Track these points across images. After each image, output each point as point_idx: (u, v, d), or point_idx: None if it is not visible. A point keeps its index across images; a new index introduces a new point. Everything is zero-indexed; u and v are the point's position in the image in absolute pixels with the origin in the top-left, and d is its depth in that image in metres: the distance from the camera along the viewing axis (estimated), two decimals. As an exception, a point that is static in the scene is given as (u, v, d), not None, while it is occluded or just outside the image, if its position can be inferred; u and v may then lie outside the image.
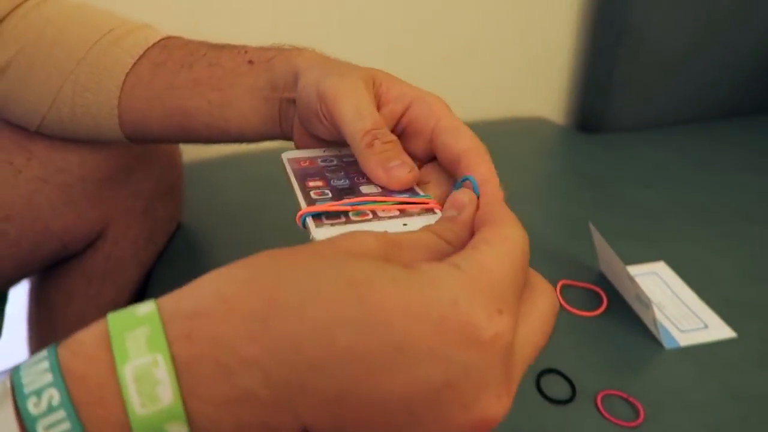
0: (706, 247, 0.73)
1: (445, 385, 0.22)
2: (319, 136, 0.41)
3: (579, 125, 1.14)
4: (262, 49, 0.46)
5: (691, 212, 0.80)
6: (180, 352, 0.22)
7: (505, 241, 0.26)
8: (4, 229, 0.56)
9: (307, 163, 0.40)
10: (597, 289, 0.65)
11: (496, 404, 0.23)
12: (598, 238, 0.64)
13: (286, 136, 0.46)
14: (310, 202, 0.35)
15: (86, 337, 0.23)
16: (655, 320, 0.58)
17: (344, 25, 0.96)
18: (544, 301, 0.27)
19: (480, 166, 0.34)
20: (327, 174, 0.39)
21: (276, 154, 0.45)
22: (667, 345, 0.59)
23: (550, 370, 0.56)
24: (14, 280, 0.63)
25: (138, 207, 0.64)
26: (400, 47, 1.01)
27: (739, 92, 1.10)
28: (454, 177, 0.37)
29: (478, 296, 0.23)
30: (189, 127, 0.48)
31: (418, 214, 0.34)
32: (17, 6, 0.50)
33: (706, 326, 0.61)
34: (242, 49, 0.46)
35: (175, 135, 0.49)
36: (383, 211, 0.34)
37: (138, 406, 0.21)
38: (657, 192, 0.84)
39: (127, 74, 0.48)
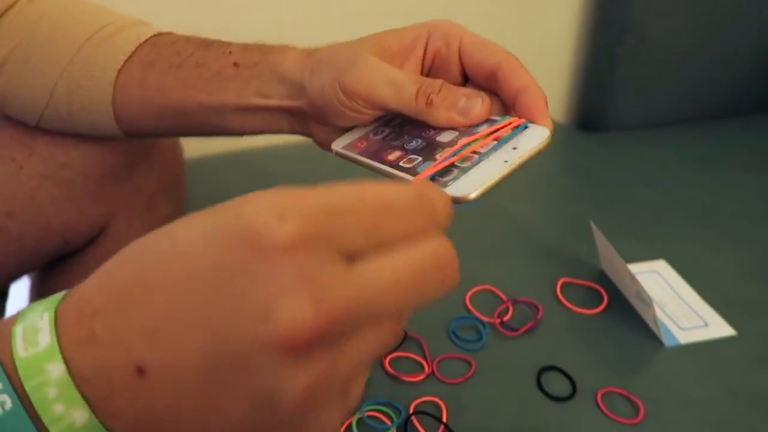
0: (706, 245, 0.73)
1: (236, 297, 0.21)
2: (352, 122, 0.42)
3: (580, 124, 1.14)
4: (246, 49, 0.46)
5: (691, 211, 0.80)
6: (60, 307, 0.25)
7: (371, 187, 0.24)
8: (5, 225, 0.56)
9: (364, 144, 0.40)
10: (598, 287, 0.65)
11: (294, 310, 0.21)
12: (599, 237, 0.64)
13: (299, 133, 0.46)
14: (412, 171, 0.36)
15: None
16: (655, 318, 0.59)
17: (344, 23, 0.96)
18: (422, 246, 0.24)
19: (517, 77, 0.37)
20: (394, 143, 0.39)
21: (278, 152, 0.45)
22: (668, 343, 0.59)
23: (551, 367, 0.56)
24: (15, 276, 0.63)
25: (140, 203, 0.64)
26: (401, 45, 1.01)
27: (739, 91, 1.10)
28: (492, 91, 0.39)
29: (265, 206, 0.22)
30: (187, 124, 0.48)
31: (515, 135, 0.36)
32: (15, 2, 0.50)
33: (706, 324, 0.61)
34: (227, 49, 0.46)
35: (174, 130, 0.50)
36: (482, 147, 0.35)
37: (22, 350, 0.24)
38: (658, 191, 0.84)
39: (119, 71, 0.48)
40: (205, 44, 0.48)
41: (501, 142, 0.35)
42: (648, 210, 0.80)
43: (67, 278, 0.66)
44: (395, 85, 0.37)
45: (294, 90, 0.43)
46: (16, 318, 0.25)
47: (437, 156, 0.36)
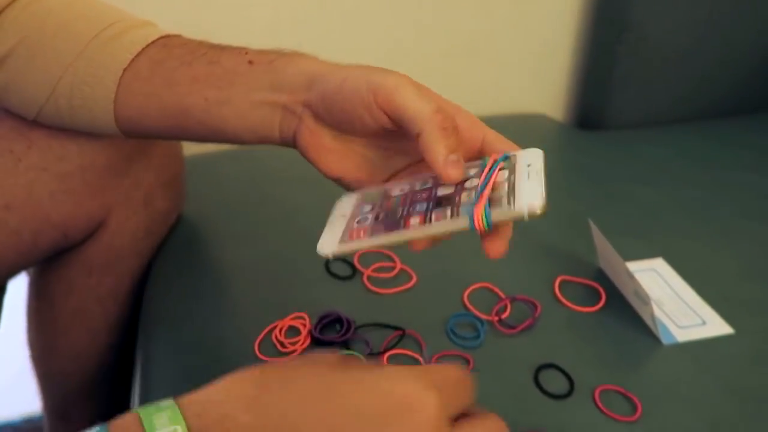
0: (704, 244, 0.73)
1: None
2: (351, 129, 0.42)
3: (579, 122, 1.14)
4: (262, 51, 0.46)
5: (690, 209, 0.80)
6: (193, 423, 0.29)
7: (440, 367, 0.35)
8: (3, 217, 0.56)
9: (361, 232, 0.39)
10: (596, 285, 0.65)
11: None
12: (597, 235, 0.65)
13: (285, 142, 0.45)
14: (456, 215, 0.36)
15: (123, 421, 0.30)
16: (653, 316, 0.59)
17: (345, 21, 0.96)
18: (495, 420, 0.34)
19: (503, 143, 0.41)
20: (396, 217, 0.39)
21: (277, 148, 0.45)
22: (665, 341, 0.59)
23: (549, 365, 0.56)
24: (14, 271, 0.63)
25: (138, 197, 0.64)
26: (400, 43, 1.01)
27: (739, 90, 1.10)
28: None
29: (412, 379, 0.31)
30: (185, 124, 0.47)
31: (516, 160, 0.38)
32: None
33: (703, 322, 0.62)
34: (243, 50, 0.46)
35: (170, 132, 0.49)
36: (498, 177, 0.37)
37: None
38: (656, 189, 0.85)
39: (125, 70, 0.48)
40: (219, 47, 0.48)
41: (506, 167, 0.38)
42: (646, 208, 0.80)
43: (66, 273, 0.66)
44: (423, 97, 0.39)
45: (306, 82, 0.43)
46: (140, 422, 0.29)
47: (461, 198, 0.37)
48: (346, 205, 0.42)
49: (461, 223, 0.35)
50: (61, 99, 0.50)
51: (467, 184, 0.38)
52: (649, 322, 0.60)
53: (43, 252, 0.62)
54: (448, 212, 0.36)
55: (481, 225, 0.34)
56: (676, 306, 0.63)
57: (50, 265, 0.66)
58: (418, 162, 0.43)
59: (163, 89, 0.47)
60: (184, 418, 0.29)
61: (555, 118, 1.13)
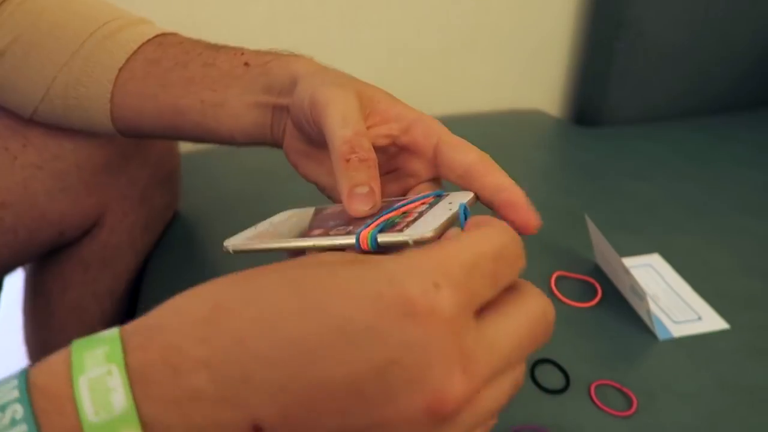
0: (700, 239, 0.74)
1: (389, 362, 0.22)
2: (309, 142, 0.42)
3: (576, 118, 1.14)
4: (259, 52, 0.46)
5: (686, 205, 0.80)
6: (134, 361, 0.23)
7: (479, 235, 0.26)
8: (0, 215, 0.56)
9: (266, 237, 0.38)
10: (592, 280, 0.65)
11: (448, 380, 0.22)
12: (593, 230, 0.65)
13: (276, 143, 0.45)
14: (347, 235, 0.33)
15: (54, 357, 0.24)
16: (649, 311, 0.59)
17: (343, 19, 0.96)
18: (534, 304, 0.26)
19: (492, 175, 0.35)
20: (308, 230, 0.37)
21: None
22: (661, 336, 0.59)
23: (545, 360, 0.56)
24: (10, 268, 0.63)
25: (134, 194, 0.64)
26: (397, 40, 1.01)
27: (736, 87, 1.10)
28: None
29: (416, 271, 0.23)
30: (180, 125, 0.47)
31: (443, 197, 0.35)
32: None
33: (699, 318, 0.62)
34: (239, 51, 0.46)
35: (166, 132, 0.49)
36: (416, 208, 0.34)
37: (91, 414, 0.21)
38: (653, 185, 0.85)
39: (120, 69, 0.48)
40: (215, 47, 0.47)
41: (433, 203, 0.35)
42: (643, 204, 0.80)
43: (62, 270, 0.66)
44: (344, 120, 0.35)
45: (291, 84, 0.43)
46: (69, 362, 0.23)
47: (369, 222, 0.33)
48: (281, 216, 0.42)
49: (348, 240, 0.32)
50: (57, 98, 0.50)
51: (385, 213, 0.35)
52: (644, 317, 0.60)
53: (39, 249, 0.62)
54: (348, 229, 0.34)
55: (366, 245, 0.32)
56: (672, 301, 0.64)
57: (46, 261, 0.66)
58: (390, 172, 0.41)
59: (158, 90, 0.47)
60: (124, 353, 0.23)
61: (552, 114, 1.13)
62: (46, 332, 0.70)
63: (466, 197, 0.35)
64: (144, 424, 0.22)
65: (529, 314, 0.26)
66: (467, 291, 0.23)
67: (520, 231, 0.33)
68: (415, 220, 0.32)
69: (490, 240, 0.25)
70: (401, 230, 0.31)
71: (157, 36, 0.49)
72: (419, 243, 0.30)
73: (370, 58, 0.98)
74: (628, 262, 0.67)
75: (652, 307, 0.60)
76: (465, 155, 0.36)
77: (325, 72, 0.41)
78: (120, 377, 0.22)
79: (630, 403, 0.52)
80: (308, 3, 0.94)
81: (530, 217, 0.33)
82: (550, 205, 0.80)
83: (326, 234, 0.34)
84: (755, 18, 1.04)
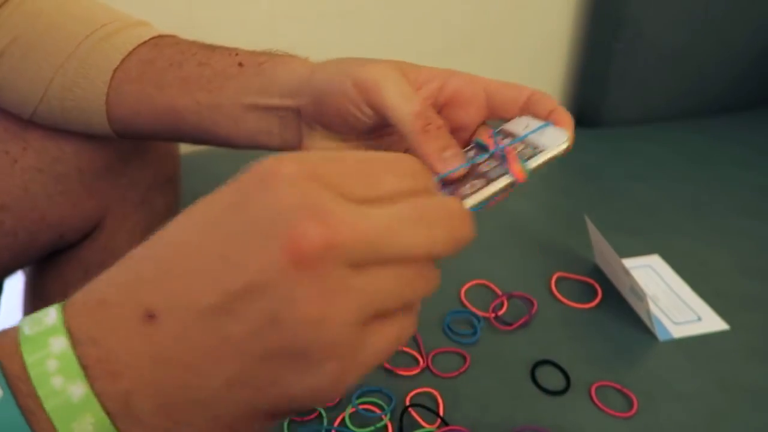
0: (700, 240, 0.74)
1: (246, 222, 0.23)
2: (341, 134, 0.42)
3: (575, 119, 1.13)
4: (253, 53, 0.45)
5: (685, 206, 0.80)
6: (69, 300, 0.26)
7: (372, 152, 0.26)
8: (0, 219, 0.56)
9: None
10: (592, 281, 0.65)
11: (300, 222, 0.22)
12: (593, 231, 0.65)
13: (289, 146, 0.45)
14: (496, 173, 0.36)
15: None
16: (649, 312, 0.59)
17: (341, 18, 0.96)
18: (438, 201, 0.25)
19: (548, 102, 0.39)
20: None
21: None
22: (661, 337, 0.59)
23: (545, 361, 0.56)
24: (10, 271, 0.63)
25: (135, 197, 0.64)
26: (396, 39, 1.01)
27: (735, 87, 1.10)
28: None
29: (278, 156, 0.24)
30: (178, 126, 0.47)
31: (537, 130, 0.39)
32: None
33: (699, 318, 0.62)
34: (233, 51, 0.46)
35: (164, 133, 0.49)
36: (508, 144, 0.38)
37: (26, 330, 0.24)
38: (652, 186, 0.85)
39: (115, 70, 0.48)
40: (210, 47, 0.47)
41: (508, 136, 0.39)
42: (643, 205, 0.80)
43: (62, 273, 0.65)
44: (405, 96, 0.37)
45: (295, 86, 0.43)
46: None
47: (486, 170, 0.36)
48: None
49: (503, 180, 0.35)
50: (54, 100, 0.50)
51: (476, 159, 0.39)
52: (644, 318, 0.60)
53: (40, 251, 0.62)
54: (480, 182, 0.36)
55: (523, 174, 0.35)
56: (672, 302, 0.64)
57: (46, 264, 0.66)
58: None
59: (153, 90, 0.47)
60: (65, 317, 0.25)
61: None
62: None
63: (525, 120, 0.39)
64: (70, 332, 0.24)
65: (419, 202, 0.24)
66: (321, 169, 0.23)
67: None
68: (528, 145, 0.37)
69: (372, 153, 0.25)
70: (535, 154, 0.36)
71: (153, 38, 0.49)
72: (559, 156, 0.36)
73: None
74: (628, 263, 0.67)
75: (652, 307, 0.60)
76: (520, 91, 0.40)
77: (331, 61, 0.42)
78: (56, 307, 0.25)
79: (630, 404, 0.52)
80: (307, 4, 0.94)
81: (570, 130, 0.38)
82: (550, 206, 0.80)
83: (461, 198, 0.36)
84: (754, 19, 1.04)
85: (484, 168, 0.37)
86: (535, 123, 0.38)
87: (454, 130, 0.41)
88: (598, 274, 0.67)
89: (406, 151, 0.41)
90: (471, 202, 0.35)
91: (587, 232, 0.66)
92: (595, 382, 0.54)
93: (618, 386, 0.54)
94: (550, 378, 0.55)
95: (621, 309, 0.62)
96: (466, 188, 0.36)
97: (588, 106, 1.10)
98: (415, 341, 0.57)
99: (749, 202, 0.82)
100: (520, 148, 0.37)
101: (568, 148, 0.36)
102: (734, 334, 0.60)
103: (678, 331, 0.60)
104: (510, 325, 0.59)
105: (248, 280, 0.22)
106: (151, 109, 0.47)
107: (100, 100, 0.48)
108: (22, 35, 0.49)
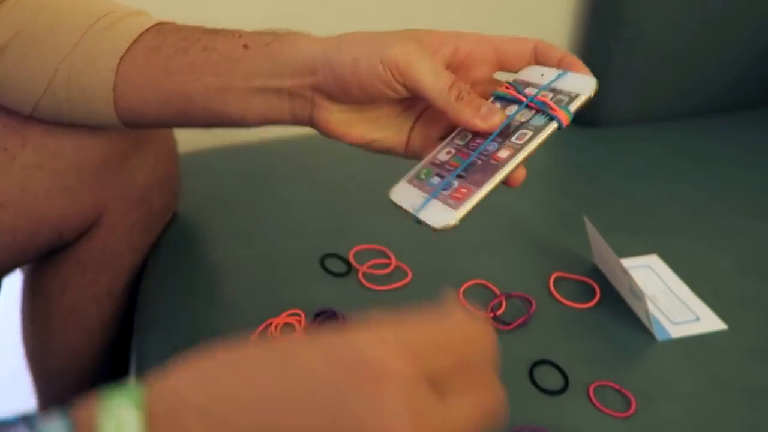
0: (699, 240, 0.74)
1: (354, 418, 0.25)
2: (370, 101, 0.44)
3: (574, 119, 1.13)
4: (256, 33, 0.46)
5: (684, 206, 0.81)
6: (152, 413, 0.26)
7: (455, 318, 0.30)
8: (-1, 216, 0.56)
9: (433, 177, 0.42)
10: (590, 281, 0.65)
11: (397, 428, 0.24)
12: (592, 231, 0.65)
13: (299, 120, 0.46)
14: (526, 141, 0.40)
15: (84, 409, 0.27)
16: (647, 312, 0.59)
17: (338, 18, 0.96)
18: (489, 391, 0.29)
19: (555, 50, 0.44)
20: (467, 164, 0.41)
21: (272, 146, 0.45)
22: (660, 337, 0.59)
23: (544, 361, 0.56)
24: (8, 269, 0.63)
25: (133, 195, 0.64)
26: (396, 39, 1.01)
27: (734, 88, 1.10)
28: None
29: (380, 340, 0.26)
30: (188, 111, 0.47)
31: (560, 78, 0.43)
32: None
33: (697, 318, 0.62)
34: (236, 33, 0.46)
35: (173, 119, 0.49)
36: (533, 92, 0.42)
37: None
38: (651, 186, 0.85)
39: (122, 58, 0.48)
40: (213, 31, 0.48)
41: (530, 85, 0.43)
42: (641, 205, 0.80)
43: (60, 271, 0.65)
44: (436, 71, 0.41)
45: (309, 65, 0.43)
46: (95, 408, 0.26)
47: (525, 120, 0.41)
48: (409, 192, 0.42)
49: (551, 126, 0.40)
50: (59, 91, 0.50)
51: (507, 112, 0.42)
52: (643, 318, 0.60)
53: (38, 250, 0.61)
54: (527, 131, 0.40)
55: (567, 118, 0.40)
56: (670, 302, 0.64)
57: (45, 263, 0.66)
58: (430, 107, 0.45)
59: (161, 77, 0.47)
60: (142, 398, 0.27)
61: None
62: (44, 334, 0.70)
63: (536, 68, 0.44)
64: None
65: (484, 400, 0.29)
66: (426, 366, 0.26)
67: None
68: (557, 93, 0.41)
69: (465, 329, 0.29)
70: (570, 100, 0.40)
71: (155, 25, 0.49)
72: (592, 97, 0.40)
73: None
74: (627, 263, 0.67)
75: (651, 308, 0.60)
76: (525, 42, 0.45)
77: (355, 37, 0.43)
78: (138, 418, 0.25)
79: (629, 404, 0.52)
80: (305, 4, 0.94)
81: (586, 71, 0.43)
82: (549, 206, 0.80)
83: (513, 149, 0.40)
84: (753, 19, 1.04)
85: (520, 119, 0.41)
86: (550, 72, 0.42)
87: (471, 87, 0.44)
88: (596, 274, 0.67)
89: (424, 112, 0.46)
90: (520, 158, 0.39)
91: (586, 232, 0.66)
92: (593, 381, 0.54)
93: (616, 386, 0.54)
94: (549, 378, 0.55)
95: (619, 309, 0.62)
96: (515, 140, 0.40)
97: (587, 106, 1.10)
98: (413, 340, 0.57)
99: (748, 202, 0.82)
100: (549, 96, 0.41)
101: (598, 88, 0.40)
102: (732, 334, 0.60)
103: (676, 331, 0.60)
104: (508, 324, 0.59)
105: None
106: (160, 96, 0.47)
107: (108, 88, 0.48)
108: (23, 30, 0.49)
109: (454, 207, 0.39)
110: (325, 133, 0.45)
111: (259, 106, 0.45)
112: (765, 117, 1.08)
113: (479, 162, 0.41)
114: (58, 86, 0.49)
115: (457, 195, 0.39)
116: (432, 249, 0.67)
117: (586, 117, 1.10)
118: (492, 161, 0.40)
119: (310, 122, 0.45)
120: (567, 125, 0.39)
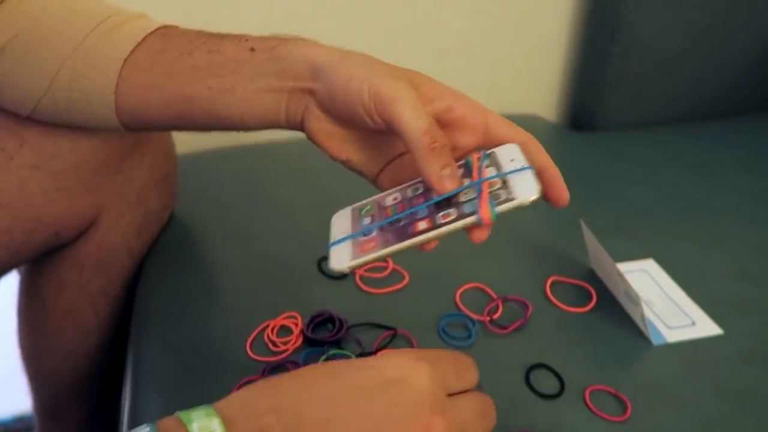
0: (695, 245, 0.74)
1: (394, 405, 0.34)
2: (345, 125, 0.44)
3: (571, 123, 1.14)
4: (263, 38, 0.46)
5: (681, 211, 0.81)
6: (226, 418, 0.33)
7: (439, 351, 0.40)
8: (-5, 216, 0.56)
9: (371, 242, 0.41)
10: (587, 285, 0.65)
11: (432, 417, 0.34)
12: (588, 235, 0.65)
13: (292, 127, 0.46)
14: (462, 215, 0.39)
15: (166, 422, 0.34)
16: (643, 317, 0.59)
17: (339, 22, 0.96)
18: (484, 397, 0.40)
19: (540, 154, 0.42)
20: (406, 222, 0.41)
21: (268, 148, 0.45)
22: (655, 341, 0.59)
23: (540, 365, 0.56)
24: (5, 269, 0.63)
25: (131, 196, 0.64)
26: (393, 43, 1.01)
27: (731, 92, 1.10)
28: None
29: (405, 356, 0.37)
30: (188, 113, 0.47)
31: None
32: None
33: (693, 323, 0.62)
34: (243, 38, 0.46)
35: (174, 122, 0.49)
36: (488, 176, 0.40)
37: None
38: (648, 190, 0.85)
39: (125, 60, 0.48)
40: (219, 35, 0.48)
41: (494, 165, 0.41)
42: (638, 209, 0.81)
43: (57, 271, 0.65)
44: (417, 112, 0.39)
45: (312, 71, 0.43)
46: (176, 418, 0.33)
47: (458, 199, 0.39)
48: (344, 221, 0.44)
49: (470, 220, 0.38)
50: (60, 92, 0.50)
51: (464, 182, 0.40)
52: (639, 322, 0.61)
53: (35, 250, 0.61)
54: (454, 212, 0.39)
55: (490, 219, 0.38)
56: (666, 306, 0.64)
57: (41, 263, 0.66)
58: None
59: (164, 79, 0.47)
60: (216, 411, 0.33)
61: (547, 118, 1.13)
62: (40, 334, 0.70)
63: (514, 149, 0.41)
64: None
65: (482, 399, 0.39)
66: (437, 369, 0.36)
67: (555, 203, 0.42)
68: (503, 187, 0.39)
69: (442, 352, 0.39)
70: (505, 200, 0.38)
71: (159, 28, 0.49)
72: (528, 206, 0.38)
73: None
74: (623, 267, 0.67)
75: (647, 312, 0.60)
76: (517, 133, 0.43)
77: (353, 57, 0.43)
78: (218, 424, 0.33)
79: (624, 409, 0.52)
80: (304, 7, 0.94)
81: (565, 193, 0.42)
82: (545, 209, 0.80)
83: (433, 222, 0.39)
84: (750, 22, 1.04)
85: (465, 195, 0.39)
86: (520, 160, 0.40)
87: (451, 149, 0.42)
88: (593, 278, 0.67)
89: (399, 155, 0.46)
90: (432, 236, 0.39)
91: (582, 236, 0.66)
92: (589, 386, 0.54)
93: (612, 390, 0.54)
94: (545, 382, 0.55)
95: (615, 313, 0.62)
96: (439, 216, 0.39)
97: (585, 110, 1.10)
98: (410, 344, 0.57)
99: (745, 206, 0.82)
100: (497, 186, 0.39)
101: (537, 200, 0.37)
102: (728, 338, 0.60)
103: (672, 336, 0.60)
104: (505, 328, 0.60)
105: None
106: (161, 98, 0.47)
107: (109, 91, 0.48)
108: (24, 31, 0.49)
109: (354, 256, 0.40)
110: (312, 140, 0.45)
111: (258, 108, 0.45)
112: (762, 121, 1.08)
113: (402, 223, 0.40)
114: (58, 88, 0.49)
115: (365, 246, 0.40)
116: (429, 253, 0.67)
117: (584, 121, 1.10)
118: (410, 228, 0.40)
119: (301, 127, 0.45)
120: (489, 225, 0.38)
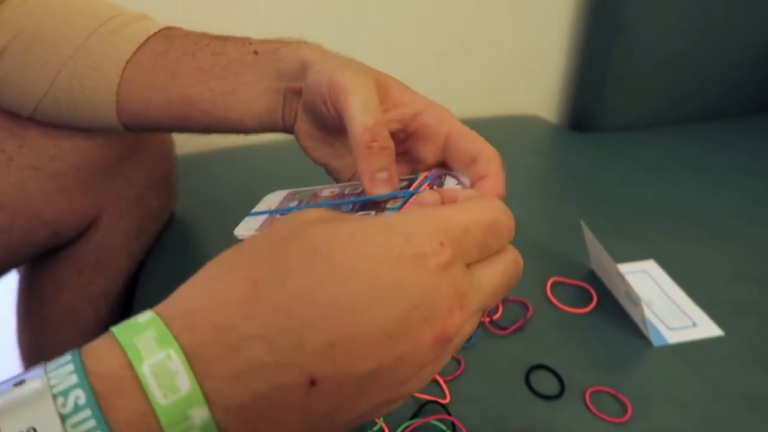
0: (696, 246, 0.74)
1: (411, 307, 0.27)
2: (321, 125, 0.43)
3: (572, 124, 1.14)
4: (266, 41, 0.46)
5: (681, 212, 0.81)
6: (186, 343, 0.25)
7: (477, 205, 0.31)
8: (-5, 217, 0.56)
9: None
10: (587, 286, 0.65)
11: (450, 315, 0.28)
12: (589, 236, 0.65)
13: (287, 128, 0.46)
14: (378, 207, 0.37)
15: (98, 345, 0.26)
16: (644, 318, 0.59)
17: (339, 22, 0.96)
18: (509, 255, 0.33)
19: (492, 167, 0.39)
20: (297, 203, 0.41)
21: (267, 149, 0.45)
22: (656, 342, 0.59)
23: (540, 366, 0.56)
24: (4, 269, 0.63)
25: (131, 196, 0.64)
26: (394, 44, 1.01)
27: (731, 93, 1.10)
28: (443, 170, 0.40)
29: (425, 232, 0.28)
30: (189, 115, 0.47)
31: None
32: None
33: (694, 324, 0.62)
34: (246, 41, 0.47)
35: (174, 123, 0.49)
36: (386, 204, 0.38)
37: (161, 397, 0.24)
38: (648, 191, 0.85)
39: (128, 62, 0.48)
40: (222, 37, 0.48)
41: (439, 186, 0.39)
42: (638, 210, 0.81)
43: (56, 271, 0.65)
44: (365, 108, 0.38)
45: (301, 70, 0.43)
46: (121, 348, 0.25)
47: (386, 204, 0.37)
48: (274, 199, 0.44)
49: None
50: (61, 93, 0.50)
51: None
52: (639, 323, 0.60)
53: (34, 251, 0.61)
54: (372, 214, 0.37)
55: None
56: (667, 308, 0.64)
57: (41, 263, 0.66)
58: (400, 155, 0.42)
59: (167, 80, 0.47)
60: (174, 337, 0.25)
61: (549, 119, 1.13)
62: (39, 334, 0.70)
63: (465, 179, 0.39)
64: (208, 399, 0.24)
65: (506, 263, 0.32)
66: (461, 250, 0.29)
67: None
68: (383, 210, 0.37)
69: (485, 211, 0.31)
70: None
71: (162, 29, 0.50)
72: None
73: (367, 63, 0.98)
74: (624, 268, 0.67)
75: (647, 313, 0.60)
76: (474, 145, 0.39)
77: (340, 57, 0.42)
78: (179, 360, 0.24)
79: (625, 410, 0.52)
80: (305, 7, 0.94)
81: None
82: (546, 210, 0.80)
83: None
84: (751, 24, 1.04)
85: (390, 204, 0.37)
86: (462, 187, 0.38)
87: (414, 161, 0.42)
88: (593, 279, 0.67)
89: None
90: None
91: (583, 236, 0.66)
92: (589, 387, 0.54)
93: (612, 391, 0.54)
94: (545, 383, 0.55)
95: (616, 314, 0.62)
96: (358, 215, 0.37)
97: (585, 111, 1.10)
98: (410, 344, 0.57)
99: (746, 207, 0.82)
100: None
101: None
102: (729, 340, 0.60)
103: (673, 337, 0.60)
104: (505, 329, 0.59)
105: (402, 352, 0.27)
106: (163, 99, 0.48)
107: (111, 91, 0.49)
108: (25, 31, 0.49)
109: (260, 228, 0.40)
110: (298, 142, 0.45)
111: (257, 109, 0.45)
112: (762, 123, 1.08)
113: None
114: (60, 88, 0.49)
115: (275, 222, 0.39)
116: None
117: (585, 122, 1.10)
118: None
119: (292, 129, 0.45)
120: None
